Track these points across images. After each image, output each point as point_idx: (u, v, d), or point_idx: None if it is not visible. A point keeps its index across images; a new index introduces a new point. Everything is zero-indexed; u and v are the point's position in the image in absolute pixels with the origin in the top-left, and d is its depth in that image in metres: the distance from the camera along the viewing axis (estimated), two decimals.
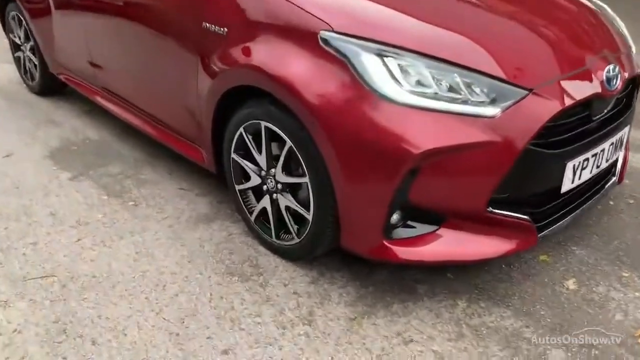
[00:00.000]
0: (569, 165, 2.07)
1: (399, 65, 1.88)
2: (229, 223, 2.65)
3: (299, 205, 2.22)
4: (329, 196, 2.07)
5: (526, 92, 1.91)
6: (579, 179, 2.15)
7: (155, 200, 2.83)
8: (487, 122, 1.86)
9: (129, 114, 3.17)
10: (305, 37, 2.02)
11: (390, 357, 1.91)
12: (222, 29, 2.30)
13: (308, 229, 2.20)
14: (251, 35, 2.19)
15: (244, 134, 2.34)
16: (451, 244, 2.02)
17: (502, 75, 1.92)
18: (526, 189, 2.05)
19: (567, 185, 2.12)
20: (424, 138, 1.85)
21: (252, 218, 2.46)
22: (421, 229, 2.03)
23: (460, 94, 1.88)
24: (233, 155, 2.44)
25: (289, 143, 2.13)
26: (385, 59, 1.89)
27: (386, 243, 2.00)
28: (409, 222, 2.03)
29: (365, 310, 2.12)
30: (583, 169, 2.14)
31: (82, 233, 2.57)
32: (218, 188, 2.93)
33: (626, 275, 2.30)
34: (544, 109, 1.93)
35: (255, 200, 2.47)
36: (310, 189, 2.12)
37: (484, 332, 2.03)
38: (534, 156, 1.94)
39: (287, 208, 2.28)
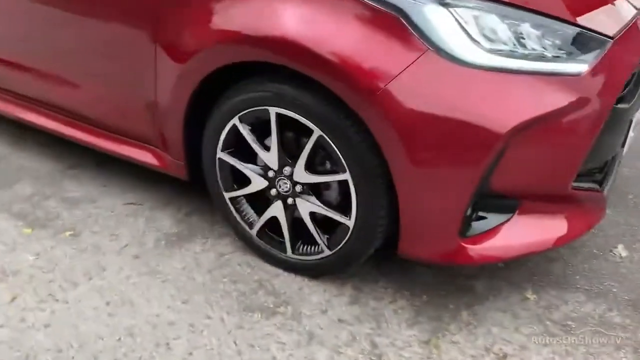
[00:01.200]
0: (633, 121, 1.82)
1: (473, 17, 1.46)
2: (213, 240, 2.08)
3: (331, 210, 1.74)
4: (380, 195, 1.62)
5: (609, 41, 1.60)
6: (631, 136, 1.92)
7: (100, 224, 2.15)
8: (574, 81, 1.52)
9: (49, 119, 2.36)
10: None
11: None
12: None
13: (347, 238, 1.73)
14: None
15: (239, 125, 1.77)
16: (531, 232, 1.68)
17: (583, 22, 1.58)
18: (604, 154, 1.76)
19: (625, 145, 1.88)
20: (513, 109, 1.46)
21: (254, 231, 1.92)
22: (494, 219, 1.66)
23: (543, 49, 1.51)
24: (221, 155, 1.86)
25: (317, 132, 1.63)
26: (452, 9, 1.46)
27: (462, 243, 1.61)
28: (480, 214, 1.66)
29: (434, 326, 1.73)
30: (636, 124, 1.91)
31: (14, 288, 1.84)
32: (178, 195, 2.31)
33: None
34: (626, 59, 1.65)
35: (253, 209, 1.93)
36: (353, 187, 1.64)
37: (573, 326, 1.75)
38: (615, 114, 1.65)
39: (313, 215, 1.78)
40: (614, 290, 1.90)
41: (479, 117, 1.45)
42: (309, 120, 1.62)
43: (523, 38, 1.50)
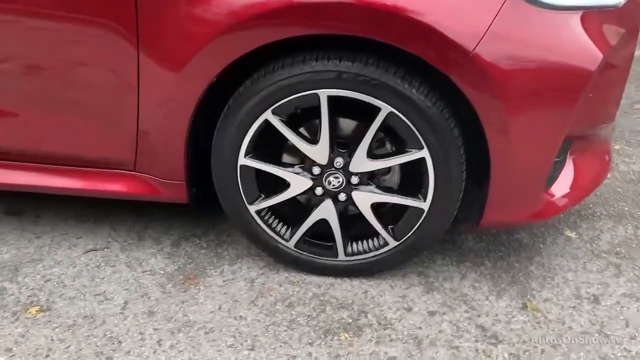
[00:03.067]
0: None
1: None
2: (229, 265, 1.71)
3: (401, 196, 1.52)
4: (461, 167, 1.45)
5: None
6: None
7: (70, 287, 1.61)
8: (617, 12, 1.51)
9: None
10: None
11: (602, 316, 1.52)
12: None
13: (420, 222, 1.54)
14: None
15: (273, 120, 1.44)
16: (587, 169, 1.66)
17: None
18: None
19: None
20: (593, 46, 1.40)
21: (292, 243, 1.62)
22: (559, 163, 1.60)
23: None
24: (244, 162, 1.51)
25: (385, 110, 1.39)
26: None
27: (548, 196, 1.53)
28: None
29: (519, 290, 1.64)
30: None
31: None
32: (143, 224, 1.86)
33: None
34: None
35: (280, 219, 1.62)
36: (431, 164, 1.45)
37: (622, 252, 1.80)
38: None
39: (375, 206, 1.54)
40: (626, 209, 2.01)
41: (568, 57, 1.36)
42: (376, 98, 1.38)
43: None
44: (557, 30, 1.36)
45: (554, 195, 1.55)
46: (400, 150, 1.47)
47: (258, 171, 1.54)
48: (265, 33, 1.32)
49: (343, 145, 1.50)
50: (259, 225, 1.60)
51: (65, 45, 1.45)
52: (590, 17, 1.40)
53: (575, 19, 1.38)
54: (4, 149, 1.65)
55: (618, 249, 1.81)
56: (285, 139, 1.50)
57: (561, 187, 1.58)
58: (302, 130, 1.54)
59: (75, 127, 1.59)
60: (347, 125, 1.51)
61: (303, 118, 1.51)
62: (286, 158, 1.60)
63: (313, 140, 1.48)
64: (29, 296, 1.58)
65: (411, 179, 1.54)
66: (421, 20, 1.27)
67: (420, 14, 1.26)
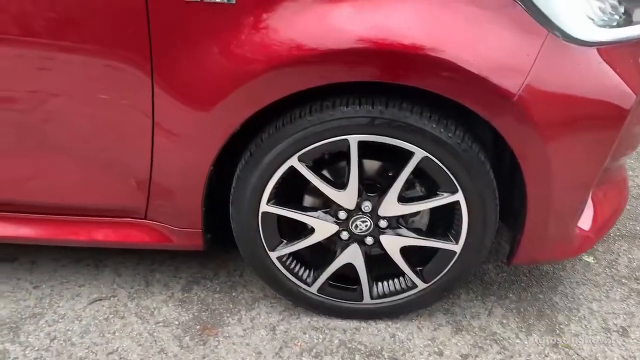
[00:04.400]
0: None
1: None
2: (246, 312, 1.62)
3: (434, 239, 1.46)
4: (496, 208, 1.40)
5: None
6: None
7: (79, 345, 1.50)
8: None
9: None
10: None
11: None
12: None
13: (451, 264, 1.48)
14: None
15: (299, 166, 1.36)
16: (609, 201, 1.64)
17: None
18: None
19: None
20: (629, 80, 1.35)
21: (315, 287, 1.54)
22: None
23: (629, 15, 1.42)
24: (266, 208, 1.42)
25: (419, 154, 1.32)
26: None
27: (582, 229, 1.49)
28: None
29: (547, 325, 1.60)
30: None
31: None
32: (145, 269, 1.75)
33: None
34: None
35: (301, 264, 1.54)
36: (465, 207, 1.39)
37: None
38: None
39: (404, 249, 1.48)
40: (638, 228, 2.01)
41: (606, 94, 1.31)
42: (409, 142, 1.30)
43: (616, 5, 1.38)
44: (596, 66, 1.30)
45: (582, 231, 1.52)
46: (432, 193, 1.41)
47: (279, 216, 1.46)
48: (305, 79, 1.23)
49: (371, 187, 1.42)
50: (280, 271, 1.52)
51: (70, 83, 1.31)
52: (627, 50, 1.36)
53: (613, 53, 1.34)
54: (4, 200, 1.52)
55: (637, 274, 1.80)
56: (308, 182, 1.42)
57: (587, 222, 1.54)
58: (325, 172, 1.45)
59: (81, 174, 1.46)
60: (375, 166, 1.44)
61: (328, 160, 1.43)
62: (308, 200, 1.51)
63: (340, 184, 1.40)
64: (35, 359, 1.47)
65: (441, 219, 1.48)
66: (462, 66, 1.19)
67: (461, 59, 1.19)
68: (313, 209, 1.48)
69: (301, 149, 1.33)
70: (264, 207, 1.42)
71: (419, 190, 1.46)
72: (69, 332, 1.54)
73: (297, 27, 1.19)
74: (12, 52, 1.28)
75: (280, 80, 1.23)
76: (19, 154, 1.45)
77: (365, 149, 1.35)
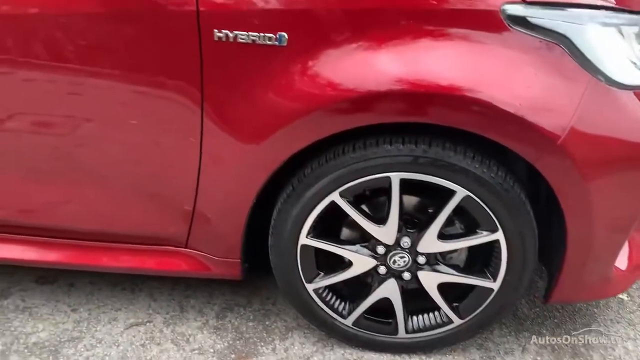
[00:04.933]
0: None
1: (634, 34, 1.29)
2: (280, 341, 1.63)
3: (471, 276, 1.46)
4: (535, 247, 1.40)
5: None
6: None
7: None
8: None
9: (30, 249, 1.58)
10: (476, 22, 1.21)
11: None
12: (272, 36, 1.20)
13: (488, 302, 1.48)
14: (361, 35, 1.20)
15: (340, 202, 1.37)
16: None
17: None
18: None
19: None
20: None
21: (350, 320, 1.55)
22: None
23: None
24: (305, 241, 1.44)
25: (461, 193, 1.33)
26: (616, 28, 1.27)
27: (620, 269, 1.49)
28: None
29: None
30: None
31: None
32: (180, 293, 1.77)
33: None
34: None
35: (337, 296, 1.55)
36: (505, 246, 1.39)
37: None
38: None
39: (441, 285, 1.48)
40: None
41: None
42: (452, 181, 1.32)
43: None
44: (638, 109, 1.32)
45: (619, 271, 1.51)
46: (471, 230, 1.42)
47: (317, 248, 1.47)
48: (350, 119, 1.25)
49: (410, 223, 1.43)
50: (316, 303, 1.53)
51: (122, 112, 1.34)
52: None
53: None
54: (45, 226, 1.55)
55: None
56: (347, 215, 1.43)
57: (623, 261, 1.53)
58: (364, 206, 1.47)
59: (124, 202, 1.50)
60: (414, 202, 1.45)
61: (367, 195, 1.45)
62: (345, 232, 1.53)
63: (379, 219, 1.41)
64: None
65: (479, 256, 1.49)
66: (506, 110, 1.21)
67: (507, 103, 1.20)
68: (351, 242, 1.49)
69: (343, 185, 1.35)
70: (303, 239, 1.44)
71: (458, 227, 1.47)
72: (107, 358, 1.56)
73: (342, 70, 1.22)
74: (73, 80, 1.32)
75: (326, 120, 1.25)
76: (62, 180, 1.49)
77: (406, 185, 1.36)
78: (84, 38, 1.27)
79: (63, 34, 1.27)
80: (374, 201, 1.46)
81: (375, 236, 1.42)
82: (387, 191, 1.36)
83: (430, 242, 1.42)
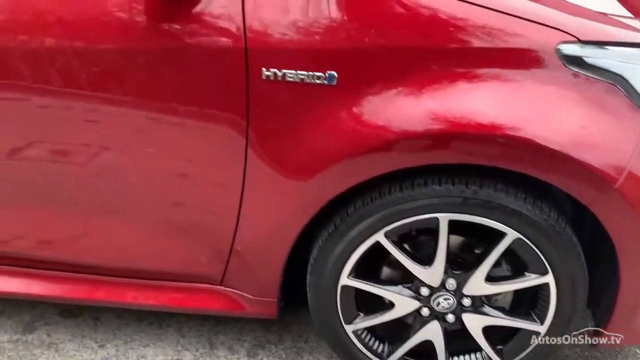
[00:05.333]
0: None
1: None
2: None
3: (518, 319, 1.42)
4: (584, 289, 1.35)
5: None
6: None
7: None
8: None
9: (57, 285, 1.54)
10: (532, 61, 1.18)
11: None
12: (321, 75, 1.17)
13: (534, 345, 1.43)
14: (410, 75, 1.17)
15: (384, 242, 1.33)
16: None
17: None
18: None
19: None
20: None
21: None
22: None
23: None
24: (346, 282, 1.39)
25: (511, 235, 1.29)
26: None
27: None
28: None
29: None
30: None
31: None
32: (209, 330, 1.72)
33: None
34: None
35: (376, 337, 1.50)
36: (554, 289, 1.34)
37: None
38: None
39: (485, 328, 1.43)
40: None
41: None
42: (502, 223, 1.28)
43: None
44: None
45: None
46: (519, 272, 1.37)
47: (357, 288, 1.43)
48: (399, 160, 1.22)
49: (456, 264, 1.39)
50: (355, 345, 1.48)
51: (152, 140, 1.31)
52: None
53: None
54: (67, 260, 1.51)
55: None
56: (389, 254, 1.39)
57: None
58: (407, 244, 1.42)
59: (152, 237, 1.46)
60: (460, 241, 1.41)
61: (412, 234, 1.41)
62: (386, 271, 1.48)
63: (424, 260, 1.37)
64: None
65: (525, 298, 1.44)
66: (562, 151, 1.17)
67: (560, 144, 1.17)
68: (392, 282, 1.45)
69: (388, 225, 1.31)
70: (345, 279, 1.39)
71: (505, 268, 1.42)
72: None
73: (393, 110, 1.19)
74: (116, 111, 1.28)
75: (374, 161, 1.22)
76: (93, 214, 1.45)
77: (452, 224, 1.32)
78: (129, 72, 1.25)
79: (111, 67, 1.25)
80: (417, 240, 1.42)
81: (420, 277, 1.38)
82: (434, 231, 1.32)
83: (477, 285, 1.37)
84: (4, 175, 1.41)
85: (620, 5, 1.40)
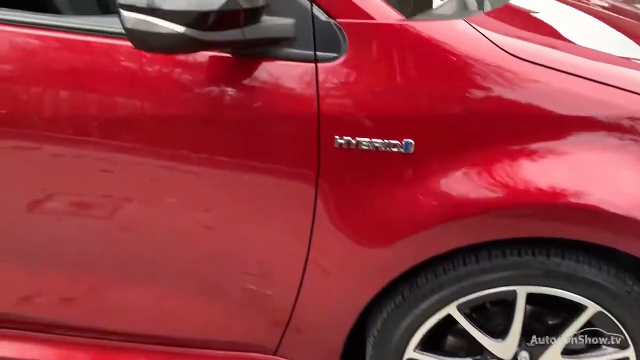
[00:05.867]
0: None
1: None
2: None
3: None
4: None
5: None
6: None
7: None
8: None
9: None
10: (619, 129, 1.13)
11: None
12: (397, 143, 1.11)
13: None
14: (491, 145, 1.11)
15: (456, 315, 1.26)
16: None
17: None
18: None
19: None
20: None
21: None
22: None
23: None
24: (413, 355, 1.31)
25: (592, 309, 1.22)
26: None
27: None
28: None
29: None
30: None
31: None
32: None
33: None
34: None
35: None
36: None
37: None
38: None
39: None
40: None
41: None
42: (583, 296, 1.21)
43: None
44: None
45: None
46: (596, 345, 1.30)
47: None
48: (491, 231, 1.16)
49: (528, 335, 1.31)
50: None
51: (214, 204, 1.24)
52: None
53: None
54: (96, 327, 1.43)
55: None
56: (456, 323, 1.31)
57: None
58: (476, 314, 1.35)
59: (205, 304, 1.37)
60: (536, 312, 1.33)
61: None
62: (451, 341, 1.40)
63: (496, 332, 1.29)
64: None
65: None
66: None
67: None
68: (459, 354, 1.36)
69: (461, 298, 1.24)
70: (410, 352, 1.31)
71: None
72: None
73: (474, 181, 1.12)
74: (182, 168, 1.21)
75: (453, 232, 1.15)
76: (137, 279, 1.37)
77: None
78: (190, 137, 1.18)
79: (171, 131, 1.18)
80: (489, 310, 1.34)
81: (492, 351, 1.30)
82: (509, 303, 1.24)
83: (552, 359, 1.29)
84: (17, 231, 1.32)
85: None
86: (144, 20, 0.93)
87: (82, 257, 1.34)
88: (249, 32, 1.03)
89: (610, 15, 1.86)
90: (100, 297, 1.42)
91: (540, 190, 1.11)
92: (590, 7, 1.94)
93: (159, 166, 1.21)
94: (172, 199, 1.24)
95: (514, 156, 1.11)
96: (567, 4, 1.76)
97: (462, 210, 1.13)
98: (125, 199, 1.26)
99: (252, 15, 1.03)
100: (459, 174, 1.12)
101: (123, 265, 1.35)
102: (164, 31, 0.94)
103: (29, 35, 1.19)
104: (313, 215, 1.19)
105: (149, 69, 1.17)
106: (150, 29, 0.94)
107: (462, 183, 1.12)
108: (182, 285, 1.36)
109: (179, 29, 0.94)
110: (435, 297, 1.24)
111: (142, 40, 0.97)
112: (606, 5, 2.05)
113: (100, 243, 1.32)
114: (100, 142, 1.19)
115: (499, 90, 1.11)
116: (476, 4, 1.41)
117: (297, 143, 1.15)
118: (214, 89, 1.17)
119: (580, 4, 1.92)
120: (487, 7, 1.38)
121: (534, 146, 1.11)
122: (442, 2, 1.35)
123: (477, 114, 1.12)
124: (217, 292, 1.35)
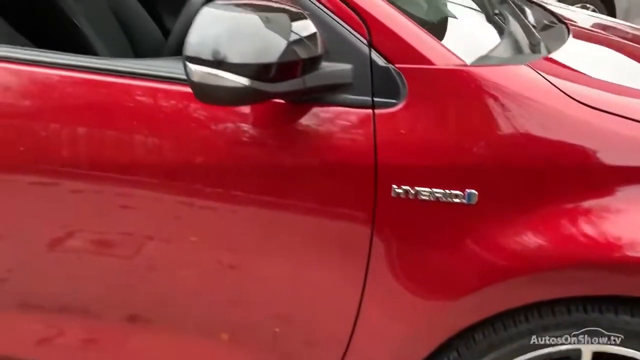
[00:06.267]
0: None
1: None
2: None
3: None
4: None
5: None
6: None
7: None
8: None
9: None
10: None
11: None
12: (460, 194, 1.06)
13: None
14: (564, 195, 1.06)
15: None
16: None
17: None
18: None
19: None
20: None
21: None
22: None
23: None
24: None
25: None
26: None
27: None
28: None
29: None
30: None
31: None
32: None
33: None
34: None
35: None
36: None
37: None
38: None
39: None
40: None
41: None
42: None
43: None
44: None
45: None
46: None
47: None
48: (560, 289, 1.11)
49: None
50: None
51: (263, 250, 1.19)
52: None
53: None
54: None
55: None
56: None
57: None
58: None
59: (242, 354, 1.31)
60: None
61: None
62: None
63: None
64: None
65: None
66: None
67: None
68: None
69: (522, 355, 1.17)
70: None
71: None
72: None
73: (544, 235, 1.07)
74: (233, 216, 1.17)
75: (521, 289, 1.09)
76: (170, 328, 1.31)
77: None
78: (251, 184, 1.14)
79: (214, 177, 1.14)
80: None
81: None
82: None
83: None
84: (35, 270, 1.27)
85: None
86: (210, 74, 0.90)
87: (99, 300, 1.28)
88: (310, 80, 0.99)
89: None
90: (120, 344, 1.35)
91: (624, 245, 1.05)
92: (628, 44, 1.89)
93: (213, 212, 1.17)
94: (224, 249, 1.20)
95: (589, 210, 1.05)
96: (610, 47, 1.72)
97: (541, 263, 1.07)
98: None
99: (312, 64, 0.99)
100: (530, 226, 1.06)
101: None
102: (230, 84, 0.91)
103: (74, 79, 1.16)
104: (367, 266, 1.14)
105: (196, 116, 1.14)
106: (216, 82, 0.91)
107: (536, 236, 1.06)
108: (209, 332, 1.30)
109: (244, 81, 0.90)
110: (493, 355, 1.17)
111: (205, 92, 0.93)
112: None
113: (125, 286, 1.27)
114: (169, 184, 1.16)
115: (569, 140, 1.06)
116: (529, 48, 1.38)
117: (353, 191, 1.10)
118: (265, 133, 1.13)
119: (620, 42, 1.87)
120: (544, 51, 1.35)
121: (612, 198, 1.05)
122: (494, 45, 1.31)
123: (546, 165, 1.07)
124: (262, 342, 1.29)
